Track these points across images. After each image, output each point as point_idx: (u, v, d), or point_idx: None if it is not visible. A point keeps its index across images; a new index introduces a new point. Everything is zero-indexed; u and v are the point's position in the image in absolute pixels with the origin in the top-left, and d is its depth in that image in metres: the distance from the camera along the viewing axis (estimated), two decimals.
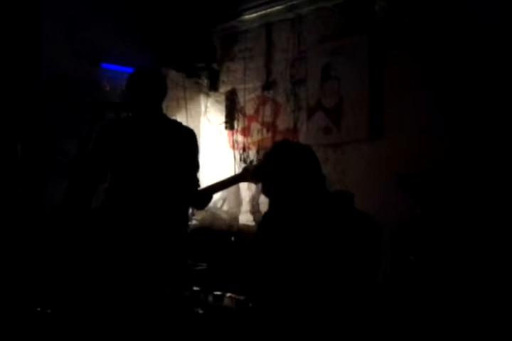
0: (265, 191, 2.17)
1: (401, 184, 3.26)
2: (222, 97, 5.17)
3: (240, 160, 4.91)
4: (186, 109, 5.17)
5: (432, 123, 3.64)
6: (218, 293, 2.47)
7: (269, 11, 4.62)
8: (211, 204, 4.97)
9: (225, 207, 4.97)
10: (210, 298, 2.45)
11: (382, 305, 2.50)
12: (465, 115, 3.46)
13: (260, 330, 2.11)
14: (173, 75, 4.99)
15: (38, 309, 2.62)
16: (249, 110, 4.95)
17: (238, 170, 4.88)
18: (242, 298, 2.38)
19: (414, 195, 3.23)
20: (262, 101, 4.83)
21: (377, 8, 3.81)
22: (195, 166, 2.83)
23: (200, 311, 2.32)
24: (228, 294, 2.41)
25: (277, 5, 4.54)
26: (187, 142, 2.80)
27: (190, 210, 4.66)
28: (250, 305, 2.29)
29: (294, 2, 4.44)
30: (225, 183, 2.78)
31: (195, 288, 2.50)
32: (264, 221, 2.30)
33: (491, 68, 3.34)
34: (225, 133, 5.15)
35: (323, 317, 1.99)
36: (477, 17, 3.42)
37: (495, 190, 3.19)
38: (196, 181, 2.81)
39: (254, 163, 2.78)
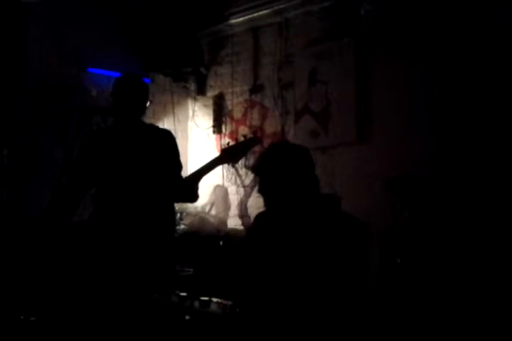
0: (261, 190, 2.18)
1: (388, 187, 3.27)
2: (210, 101, 5.17)
3: (228, 164, 4.90)
4: (174, 113, 5.16)
5: (418, 127, 3.66)
6: (205, 298, 2.47)
7: (256, 15, 4.64)
8: (199, 208, 4.98)
9: (213, 212, 4.96)
10: (197, 304, 2.43)
11: (370, 309, 2.50)
12: (452, 118, 3.48)
13: (249, 335, 2.10)
14: (160, 80, 4.98)
15: (22, 317, 2.59)
16: (237, 114, 4.96)
17: (226, 174, 4.88)
18: (229, 303, 2.37)
19: (402, 198, 3.24)
20: (250, 105, 4.84)
21: (363, 12, 3.82)
22: (178, 167, 2.83)
23: (187, 317, 2.31)
24: (215, 299, 2.40)
25: (264, 9, 4.56)
26: (167, 144, 2.80)
27: (179, 215, 4.65)
28: (237, 310, 2.28)
29: (281, 6, 4.46)
30: (206, 168, 2.75)
31: (181, 294, 2.49)
32: (256, 221, 2.30)
33: (478, 71, 3.37)
34: (213, 137, 5.15)
35: (314, 320, 1.99)
36: (462, 19, 3.45)
37: (482, 193, 3.21)
38: (181, 181, 2.80)
39: (231, 144, 2.76)
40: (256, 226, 2.28)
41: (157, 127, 2.94)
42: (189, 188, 2.74)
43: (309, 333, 1.99)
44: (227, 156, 2.75)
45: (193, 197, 2.81)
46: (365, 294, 2.10)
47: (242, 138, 2.76)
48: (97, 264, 2.64)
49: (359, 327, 2.04)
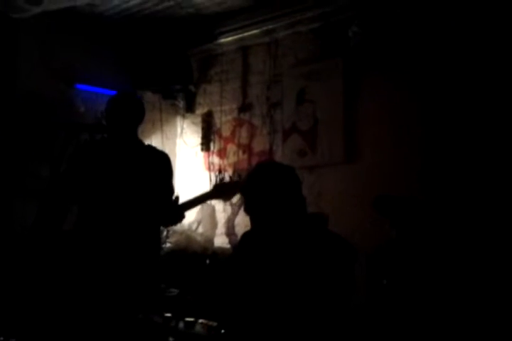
0: (247, 209, 2.17)
1: (375, 206, 3.27)
2: (199, 119, 5.17)
3: (216, 181, 4.89)
4: (162, 130, 5.16)
5: (407, 147, 3.68)
6: (190, 319, 2.43)
7: (245, 34, 4.67)
8: (186, 226, 4.94)
9: (200, 230, 4.93)
10: (181, 325, 2.40)
11: (357, 329, 2.48)
12: (442, 139, 3.51)
13: None
14: (149, 97, 4.98)
15: (2, 338, 2.53)
16: (226, 132, 4.96)
17: None
18: (214, 324, 2.33)
19: (389, 218, 3.24)
20: (238, 124, 4.85)
21: (351, 34, 3.87)
22: (169, 190, 2.81)
23: (171, 339, 2.27)
24: (200, 320, 2.36)
25: (254, 29, 4.60)
26: (161, 166, 2.79)
27: (165, 233, 4.61)
28: (222, 331, 2.25)
29: (270, 26, 4.50)
30: (195, 201, 2.75)
31: (166, 314, 2.45)
32: (242, 241, 2.28)
33: (466, 91, 3.41)
34: (201, 154, 5.14)
35: (301, 339, 1.97)
36: (447, 38, 3.51)
37: (472, 213, 3.22)
38: (171, 204, 2.79)
39: (225, 180, 2.75)
40: (242, 246, 2.27)
41: (154, 148, 2.93)
42: (176, 216, 2.73)
43: None
44: (218, 193, 2.76)
45: (176, 223, 2.80)
46: (352, 314, 2.09)
47: (236, 178, 2.76)
48: (80, 282, 2.60)
49: None
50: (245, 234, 2.30)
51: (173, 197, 2.73)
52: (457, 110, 3.44)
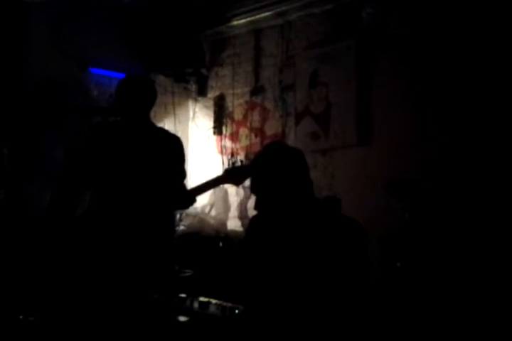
0: (253, 189, 2.17)
1: (388, 189, 3.26)
2: (211, 102, 5.17)
3: (228, 165, 4.89)
4: (174, 114, 5.16)
5: (420, 129, 3.66)
6: (204, 299, 2.46)
7: (258, 16, 4.63)
8: (199, 209, 4.98)
9: (213, 213, 4.95)
10: (196, 305, 2.43)
11: (370, 312, 2.49)
12: (454, 121, 3.48)
13: (252, 336, 2.10)
14: (161, 80, 4.97)
15: (21, 317, 2.58)
16: (238, 115, 4.95)
17: None
18: (228, 304, 2.36)
19: (402, 201, 3.23)
20: (251, 107, 4.84)
21: (365, 15, 3.82)
22: (181, 174, 2.82)
23: (185, 318, 2.30)
24: (214, 301, 2.39)
25: (266, 11, 4.55)
26: (173, 150, 2.79)
27: (178, 216, 4.65)
28: (236, 311, 2.28)
29: (283, 8, 4.46)
30: (207, 185, 2.75)
31: (180, 295, 2.48)
32: (251, 224, 2.29)
33: (479, 73, 3.37)
34: (213, 138, 5.14)
35: (316, 321, 1.98)
36: (463, 19, 3.46)
37: (483, 196, 3.21)
38: (183, 188, 2.80)
39: (236, 164, 2.75)
40: (252, 230, 2.27)
41: (167, 131, 2.93)
42: (187, 200, 2.73)
43: (315, 333, 1.98)
44: (229, 177, 2.75)
45: (187, 207, 2.81)
46: (370, 297, 2.09)
47: (247, 162, 2.75)
48: (95, 264, 2.63)
49: (361, 329, 2.03)
50: (254, 218, 2.30)
51: (184, 187, 2.73)
52: (470, 93, 3.40)
